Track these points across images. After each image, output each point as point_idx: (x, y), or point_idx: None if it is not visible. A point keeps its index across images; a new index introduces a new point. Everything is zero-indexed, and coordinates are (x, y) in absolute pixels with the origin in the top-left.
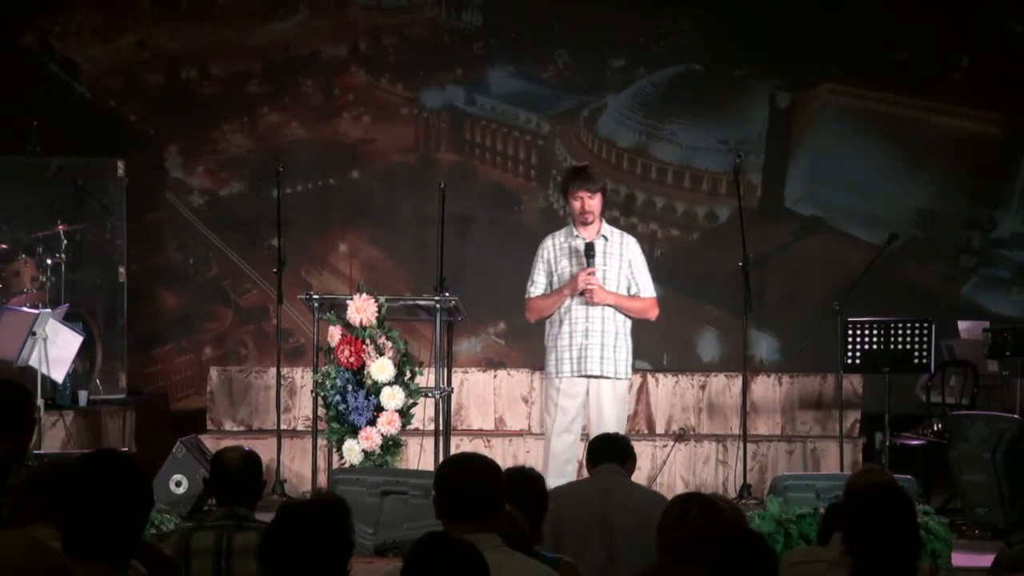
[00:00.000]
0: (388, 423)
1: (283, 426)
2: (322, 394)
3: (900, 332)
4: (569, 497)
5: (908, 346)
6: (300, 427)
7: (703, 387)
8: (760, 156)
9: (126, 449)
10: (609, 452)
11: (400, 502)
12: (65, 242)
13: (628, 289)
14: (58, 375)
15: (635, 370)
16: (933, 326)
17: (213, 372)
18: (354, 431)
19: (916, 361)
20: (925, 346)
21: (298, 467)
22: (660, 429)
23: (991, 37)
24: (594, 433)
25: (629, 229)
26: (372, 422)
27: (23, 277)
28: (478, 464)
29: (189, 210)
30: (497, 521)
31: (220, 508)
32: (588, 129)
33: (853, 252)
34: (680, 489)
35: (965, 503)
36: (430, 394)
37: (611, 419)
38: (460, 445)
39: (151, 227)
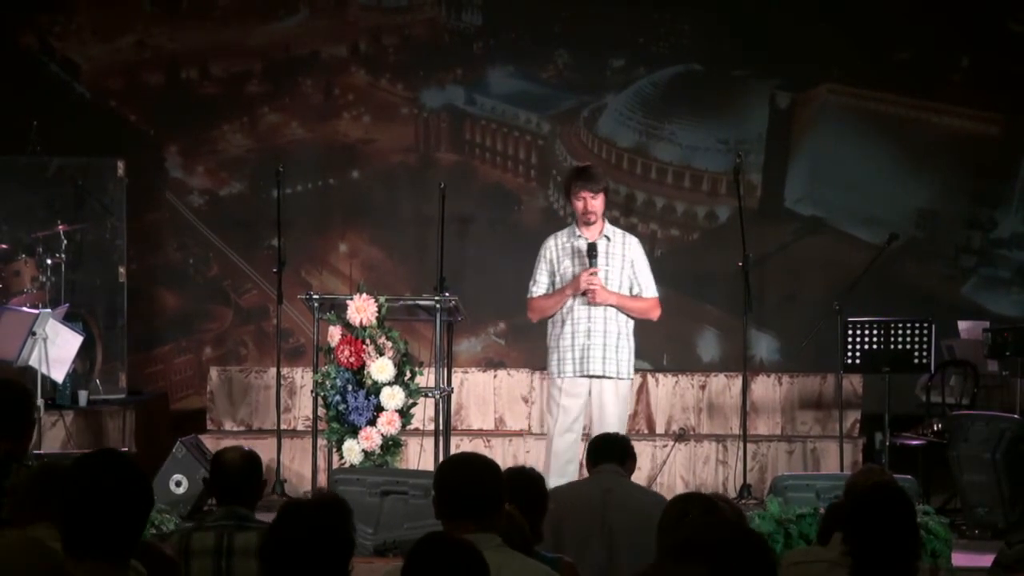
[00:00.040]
0: (388, 423)
1: (283, 426)
2: (322, 394)
3: (900, 332)
4: (569, 497)
5: (908, 346)
6: (300, 427)
7: (703, 387)
8: (760, 156)
9: (126, 449)
10: (609, 452)
11: (400, 502)
12: (65, 242)
13: (630, 289)
14: (58, 375)
15: (635, 370)
16: (933, 326)
17: (213, 372)
18: (354, 431)
19: (916, 361)
20: (925, 346)
21: (298, 467)
22: (660, 429)
23: (991, 37)
24: (596, 433)
25: (629, 229)
26: (372, 422)
27: (23, 277)
28: (478, 464)
29: (189, 210)
30: (497, 521)
31: (220, 508)
32: (588, 129)
33: (853, 252)
34: (680, 489)
35: (965, 503)
36: (430, 394)
37: (613, 419)
38: (460, 445)
39: (151, 227)
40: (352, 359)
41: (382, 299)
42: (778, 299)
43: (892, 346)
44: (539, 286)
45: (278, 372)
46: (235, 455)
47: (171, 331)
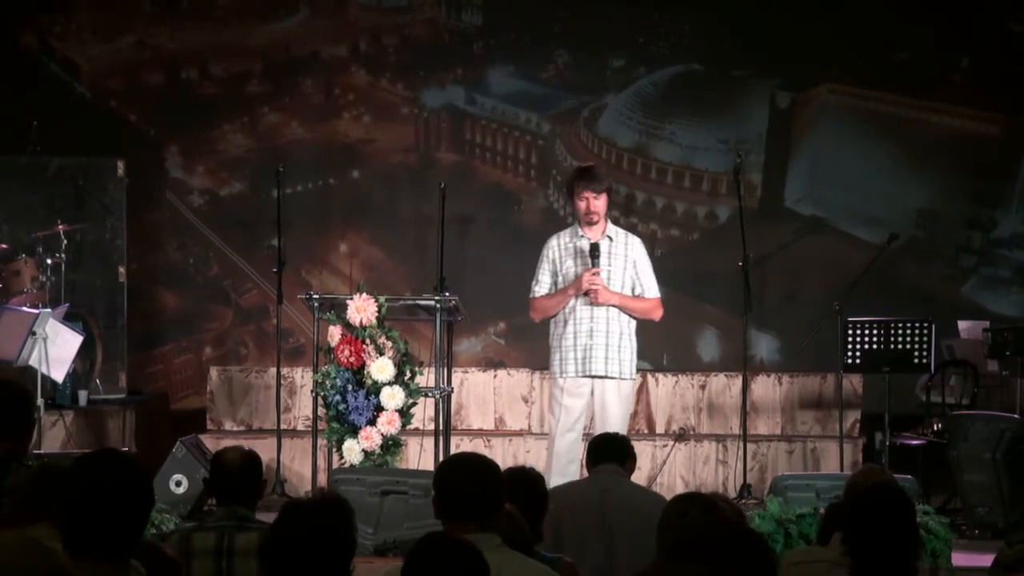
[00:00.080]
0: (388, 423)
1: (283, 426)
2: (322, 394)
3: (900, 332)
4: (568, 497)
5: (908, 346)
6: (300, 427)
7: (703, 387)
8: (760, 156)
9: (126, 449)
10: (609, 452)
11: (400, 502)
12: (65, 242)
13: (632, 290)
14: (58, 375)
15: (636, 370)
16: (933, 326)
17: (213, 372)
18: (354, 431)
19: (916, 361)
20: (925, 346)
21: (298, 467)
22: (660, 429)
23: (991, 37)
24: (598, 433)
25: (629, 229)
26: (372, 422)
27: (23, 277)
28: (478, 464)
29: (189, 210)
30: (497, 521)
31: (221, 508)
32: (588, 129)
33: (853, 252)
34: (680, 489)
35: (965, 503)
36: (430, 394)
37: (616, 419)
38: (460, 445)
39: (151, 227)
40: (352, 359)
41: (382, 299)
42: (778, 299)
43: (892, 346)
44: (541, 286)
45: (278, 372)
46: (235, 455)
47: (171, 331)
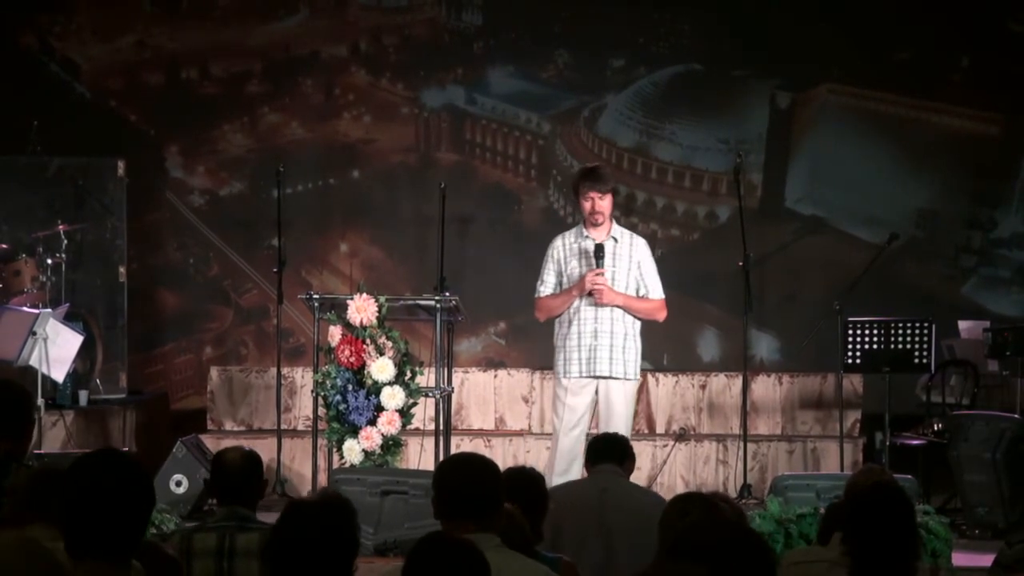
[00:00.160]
0: (388, 423)
1: (283, 426)
2: (322, 394)
3: (900, 332)
4: (567, 497)
5: (908, 346)
6: (300, 427)
7: (703, 387)
8: (760, 156)
9: (127, 449)
10: (608, 452)
11: (400, 502)
12: (65, 242)
13: (637, 290)
14: (58, 375)
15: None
16: (933, 326)
17: (213, 372)
18: (354, 431)
19: (916, 361)
20: (925, 346)
21: (298, 467)
22: (660, 429)
23: (991, 37)
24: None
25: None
26: (372, 422)
27: (23, 277)
28: (477, 464)
29: (189, 210)
30: (496, 521)
31: (221, 508)
32: (588, 129)
33: (853, 252)
34: (680, 489)
35: (965, 503)
36: (430, 394)
37: (621, 420)
38: (460, 445)
39: (151, 227)
40: (352, 359)
41: (382, 299)
42: (778, 299)
43: (892, 346)
44: (546, 286)
45: (278, 372)
46: (236, 455)
47: (171, 331)
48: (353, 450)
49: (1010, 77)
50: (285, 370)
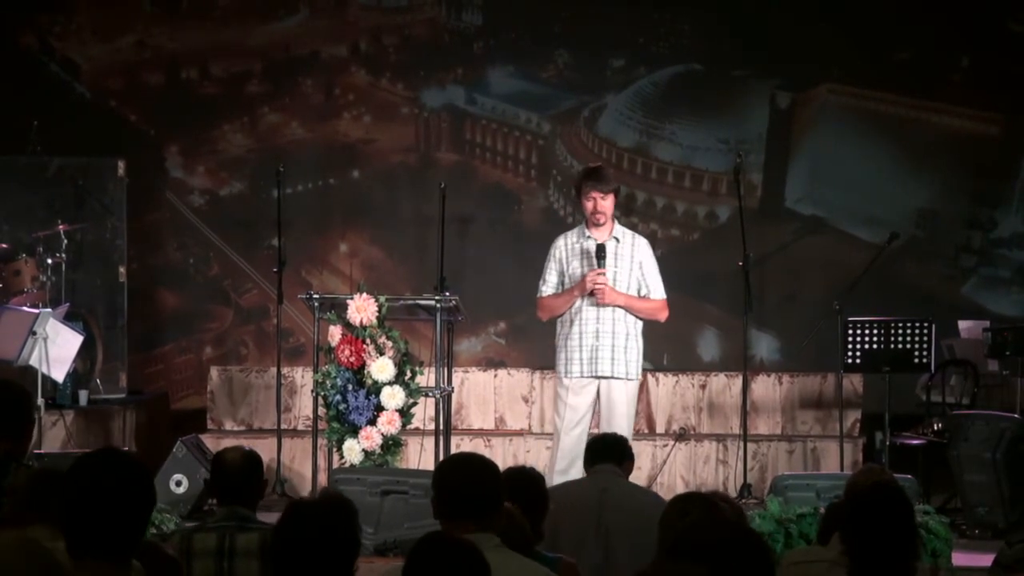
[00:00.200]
0: (388, 423)
1: (283, 426)
2: (322, 394)
3: (900, 332)
4: (567, 497)
5: (908, 346)
6: (300, 427)
7: (703, 387)
8: (760, 156)
9: (127, 449)
10: (607, 452)
11: (401, 502)
12: (65, 242)
13: (638, 291)
14: (58, 375)
15: None
16: (933, 326)
17: (213, 372)
18: (354, 431)
19: (916, 361)
20: (925, 346)
21: (298, 467)
22: (660, 429)
23: (991, 37)
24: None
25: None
26: (372, 422)
27: (23, 277)
28: (477, 464)
29: (189, 210)
30: (496, 521)
31: (221, 508)
32: (588, 129)
33: (853, 252)
34: (680, 489)
35: (965, 503)
36: (430, 394)
37: (622, 420)
38: (460, 445)
39: (151, 227)
40: (352, 359)
41: (382, 299)
42: (778, 299)
43: (892, 346)
44: (548, 285)
45: (278, 372)
46: (236, 455)
47: (171, 331)
48: (353, 450)
49: (1010, 77)
50: (285, 370)
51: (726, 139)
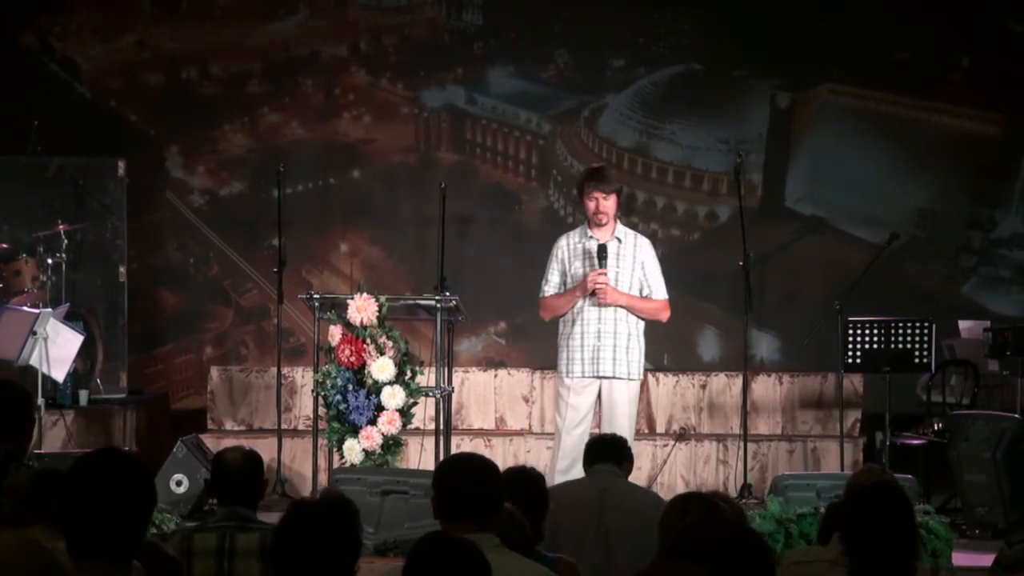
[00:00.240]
0: (389, 422)
1: (284, 426)
2: (323, 393)
3: (901, 332)
4: (567, 497)
5: (909, 346)
6: (301, 427)
7: (704, 386)
8: (760, 156)
9: (127, 449)
10: (607, 453)
11: (401, 502)
12: (66, 242)
13: (641, 291)
14: (59, 375)
15: None
16: (933, 326)
17: (214, 372)
18: (355, 430)
19: (917, 361)
20: (926, 346)
21: (299, 467)
22: (661, 428)
23: (991, 37)
24: (606, 432)
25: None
26: (373, 421)
27: (24, 277)
28: (477, 464)
29: (190, 210)
30: (496, 521)
31: (222, 508)
32: (588, 129)
33: (853, 252)
34: (681, 489)
35: (965, 503)
36: (431, 393)
37: (624, 420)
38: (461, 445)
39: (151, 227)
40: (353, 358)
41: (383, 299)
42: (778, 299)
43: (893, 346)
44: (551, 285)
45: (279, 372)
46: (236, 455)
47: (172, 331)
48: (353, 450)
49: (1010, 77)
50: (285, 370)
51: (726, 139)
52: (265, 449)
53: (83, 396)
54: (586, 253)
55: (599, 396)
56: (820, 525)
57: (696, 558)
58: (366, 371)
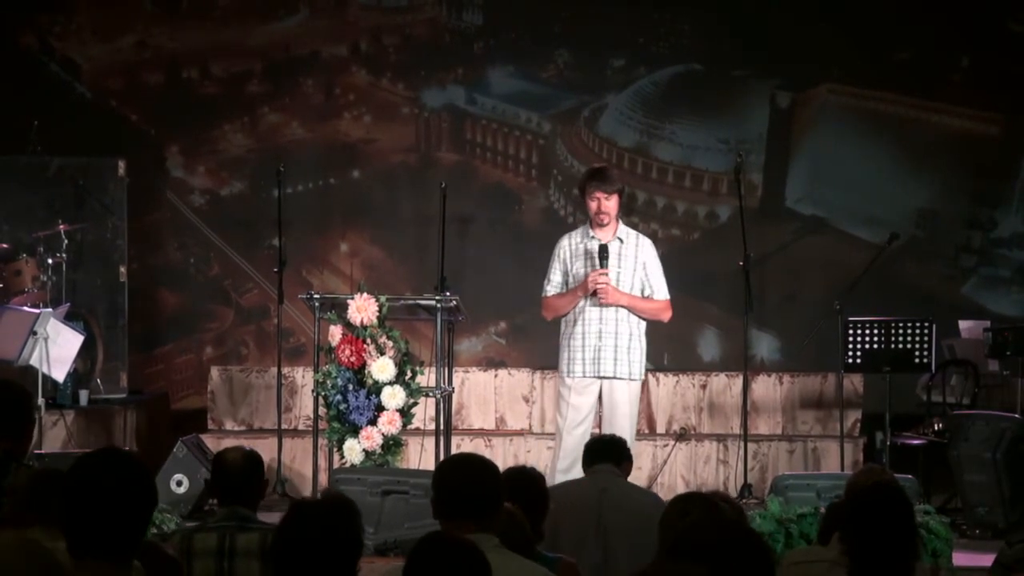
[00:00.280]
0: (389, 422)
1: (284, 426)
2: (323, 393)
3: (901, 332)
4: (567, 497)
5: (909, 346)
6: (301, 427)
7: (704, 387)
8: (760, 156)
9: (127, 449)
10: (606, 453)
11: (401, 502)
12: (66, 242)
13: (642, 291)
14: (59, 375)
15: None
16: (934, 326)
17: (214, 372)
18: (355, 430)
19: (917, 361)
20: (926, 346)
21: (299, 467)
22: (661, 429)
23: (991, 37)
24: (606, 433)
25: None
26: (373, 421)
27: (24, 277)
28: (477, 464)
29: (190, 210)
30: (496, 521)
31: (222, 508)
32: (589, 129)
33: (853, 252)
34: (681, 489)
35: (965, 503)
36: (431, 393)
37: (625, 420)
38: (461, 445)
39: (152, 227)
40: (353, 358)
41: (383, 299)
42: (779, 299)
43: (893, 346)
44: (553, 285)
45: (279, 372)
46: (236, 455)
47: (172, 331)
48: (353, 450)
49: (1010, 77)
50: (285, 370)
51: (726, 139)
52: (265, 449)
53: (83, 396)
54: (588, 253)
55: (600, 396)
56: (820, 525)
57: (696, 558)
58: (366, 371)
